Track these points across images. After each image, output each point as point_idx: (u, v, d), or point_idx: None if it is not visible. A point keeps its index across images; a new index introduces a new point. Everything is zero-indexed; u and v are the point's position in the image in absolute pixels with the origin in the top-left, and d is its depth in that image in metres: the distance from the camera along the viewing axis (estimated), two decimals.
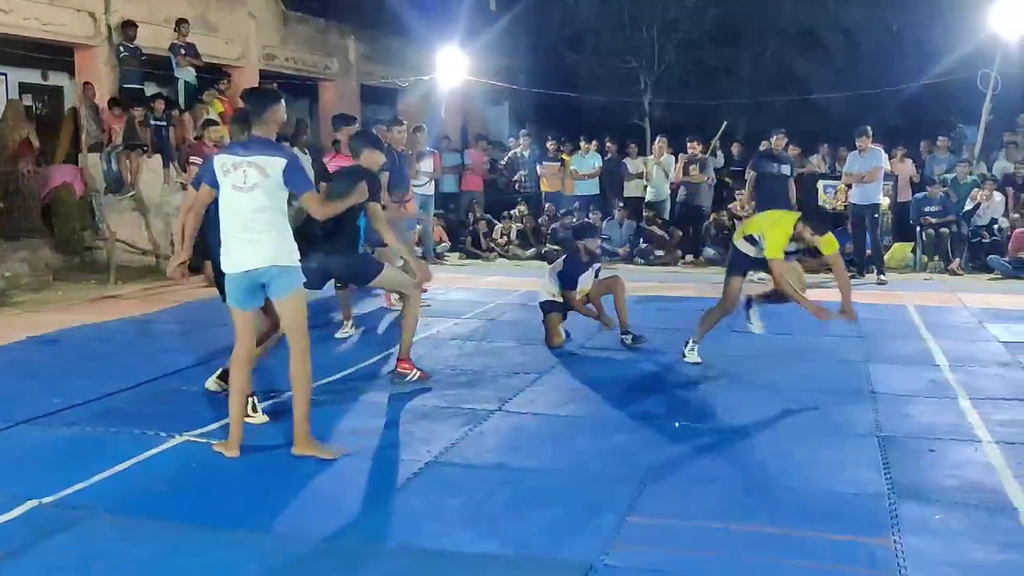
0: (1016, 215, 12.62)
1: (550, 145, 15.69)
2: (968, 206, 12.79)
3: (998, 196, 12.85)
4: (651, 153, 14.94)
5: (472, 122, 20.37)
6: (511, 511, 4.18)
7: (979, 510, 4.18)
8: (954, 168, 13.45)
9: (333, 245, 6.05)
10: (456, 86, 16.95)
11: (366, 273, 6.26)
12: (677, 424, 5.49)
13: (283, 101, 4.89)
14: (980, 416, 5.61)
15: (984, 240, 12.51)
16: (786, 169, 11.50)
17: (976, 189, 12.89)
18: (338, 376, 6.59)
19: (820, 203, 13.71)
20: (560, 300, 7.69)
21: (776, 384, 6.45)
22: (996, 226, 12.56)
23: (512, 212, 15.15)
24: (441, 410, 5.80)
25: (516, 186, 15.88)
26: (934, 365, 7.02)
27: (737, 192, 14.02)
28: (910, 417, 5.66)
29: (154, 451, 4.98)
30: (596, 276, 7.89)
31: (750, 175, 11.69)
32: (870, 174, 11.62)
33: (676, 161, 14.22)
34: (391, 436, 5.31)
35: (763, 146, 11.96)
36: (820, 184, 13.91)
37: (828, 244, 6.56)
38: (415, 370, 6.35)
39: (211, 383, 5.92)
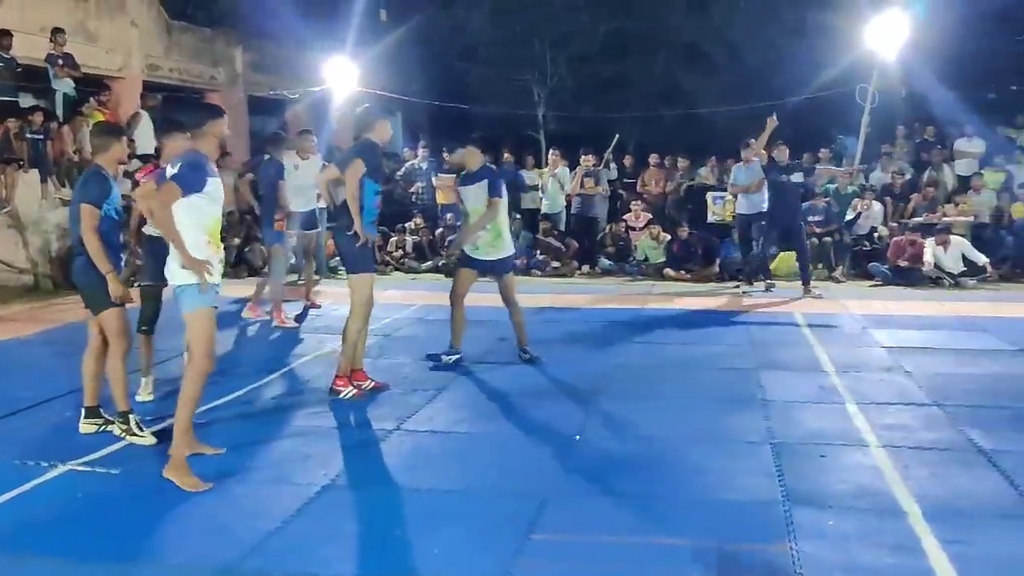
0: (894, 224, 13.17)
1: (446, 157, 15.64)
2: (849, 215, 13.29)
3: (877, 206, 13.41)
4: (546, 165, 15.05)
5: None
6: (412, 532, 4.12)
7: (869, 514, 4.31)
8: (836, 179, 13.95)
9: (338, 224, 6.28)
10: (347, 97, 16.75)
11: (351, 262, 6.29)
12: (577, 437, 5.51)
13: (225, 116, 4.94)
14: (867, 421, 5.80)
15: (865, 248, 13.01)
16: (797, 177, 11.63)
17: (856, 199, 13.41)
18: (231, 397, 6.40)
19: (710, 215, 14.05)
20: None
21: (671, 394, 6.55)
22: (876, 234, 13.09)
23: (408, 225, 15.03)
24: (337, 430, 5.69)
25: (413, 198, 15.78)
26: (822, 371, 7.23)
27: (632, 203, 14.26)
28: (801, 423, 5.81)
29: (36, 482, 4.75)
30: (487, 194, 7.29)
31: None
32: (756, 185, 11.93)
33: (571, 173, 14.38)
34: (287, 458, 5.17)
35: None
36: (709, 196, 14.24)
37: None
38: (351, 387, 6.38)
39: (84, 425, 5.59)
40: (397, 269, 14.30)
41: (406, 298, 11.20)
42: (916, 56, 14.66)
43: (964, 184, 13.92)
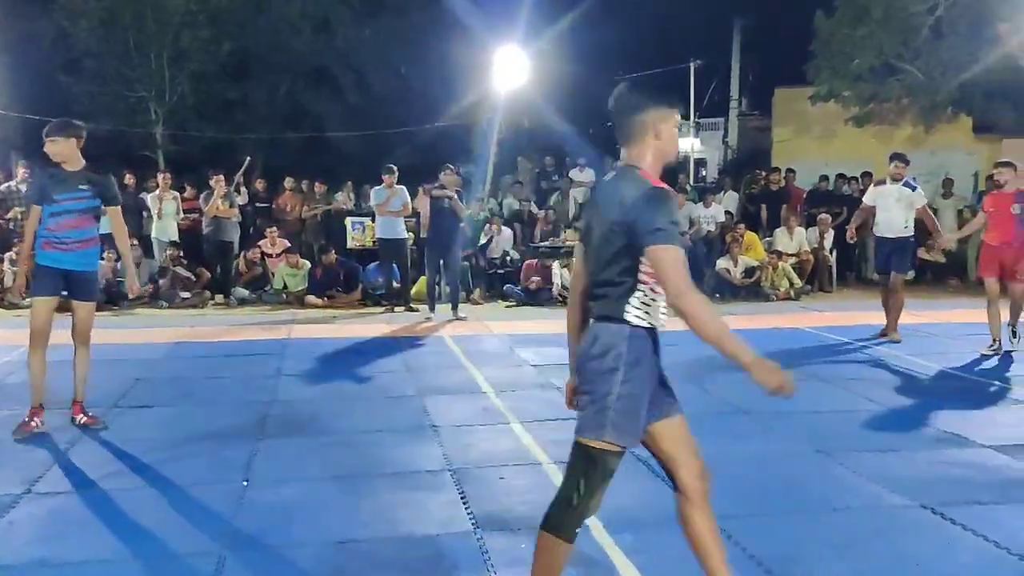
0: (523, 247, 13.91)
1: None
2: (483, 240, 13.81)
3: (507, 231, 14.09)
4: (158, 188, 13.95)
5: None
6: None
7: None
8: (469, 205, 14.44)
9: None
10: None
11: (89, 291, 6.11)
12: (245, 483, 5.04)
13: None
14: (534, 439, 5.92)
15: (499, 271, 13.58)
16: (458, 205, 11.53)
17: (488, 224, 13.97)
18: None
19: (349, 240, 13.89)
20: None
21: (338, 428, 6.26)
22: (508, 258, 13.73)
23: (8, 255, 13.21)
24: None
25: (12, 224, 13.89)
26: (482, 393, 7.32)
27: (267, 230, 13.70)
28: (474, 447, 5.79)
29: None
30: None
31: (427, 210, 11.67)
32: (404, 210, 12.00)
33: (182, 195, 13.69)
34: None
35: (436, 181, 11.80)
36: (348, 221, 14.08)
37: None
38: (81, 415, 6.17)
39: None
40: None
41: (12, 338, 9.77)
42: (536, 90, 15.68)
43: (582, 211, 15.06)
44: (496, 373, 8.04)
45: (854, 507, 4.70)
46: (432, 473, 5.24)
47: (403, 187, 12.23)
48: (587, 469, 3.05)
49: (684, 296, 2.79)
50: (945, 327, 10.69)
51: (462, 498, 4.78)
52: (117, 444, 5.81)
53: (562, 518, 3.09)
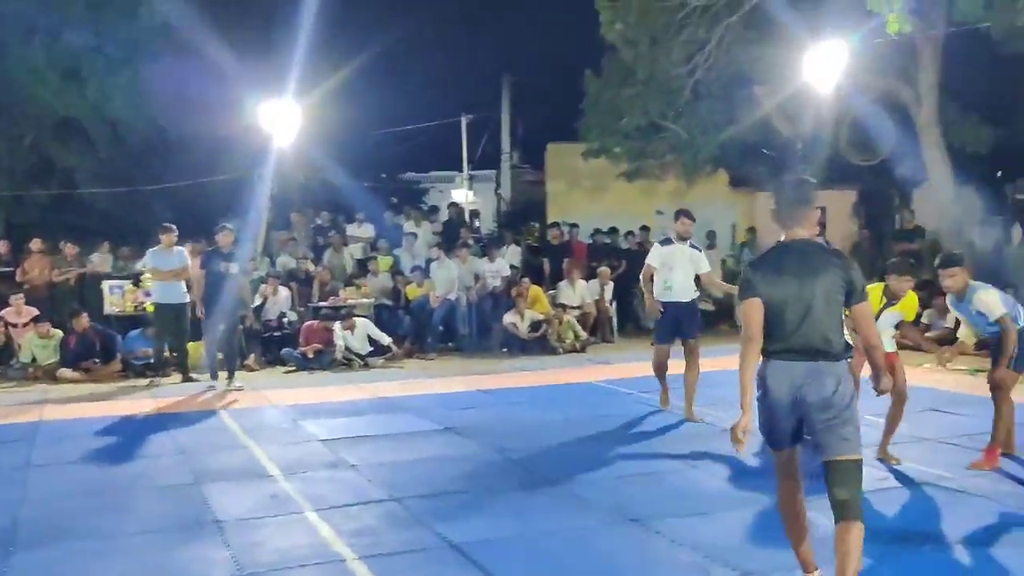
0: (302, 308, 13.20)
1: None
2: (257, 301, 12.96)
3: (284, 291, 13.32)
4: None
5: None
6: None
7: None
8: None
9: None
10: None
11: None
12: None
13: None
14: (333, 530, 5.36)
15: (276, 334, 12.79)
16: (235, 268, 10.70)
17: (263, 285, 13.16)
18: None
19: (107, 306, 12.65)
20: None
21: (106, 530, 5.43)
22: (285, 319, 12.96)
23: None
24: None
25: None
26: (268, 476, 6.65)
27: (12, 297, 12.24)
28: (264, 545, 5.15)
29: None
30: None
31: (198, 272, 10.70)
32: (183, 272, 11.07)
33: None
34: None
35: (212, 244, 10.67)
36: (106, 285, 12.85)
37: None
38: None
39: None
40: None
41: None
42: (310, 144, 15.11)
43: (362, 268, 14.55)
44: (281, 452, 7.37)
45: None
46: None
47: (183, 248, 11.34)
48: (860, 474, 3.92)
49: (879, 343, 4.06)
50: (726, 374, 10.95)
51: None
52: None
53: (859, 508, 3.88)
